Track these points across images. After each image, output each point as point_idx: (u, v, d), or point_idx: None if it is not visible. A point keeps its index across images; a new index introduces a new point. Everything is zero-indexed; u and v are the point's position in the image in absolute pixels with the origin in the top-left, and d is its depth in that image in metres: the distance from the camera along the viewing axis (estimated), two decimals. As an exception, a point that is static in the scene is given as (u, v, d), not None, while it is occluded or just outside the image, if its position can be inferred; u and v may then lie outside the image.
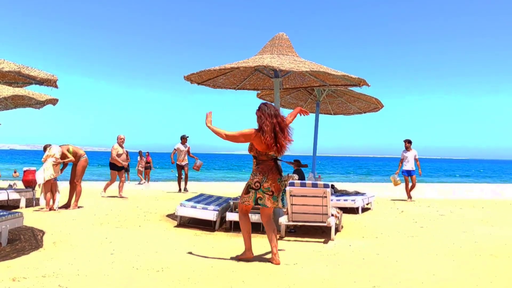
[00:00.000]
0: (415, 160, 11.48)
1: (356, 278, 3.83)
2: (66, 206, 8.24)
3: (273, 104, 4.83)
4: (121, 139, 10.51)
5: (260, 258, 4.54)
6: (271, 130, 4.26)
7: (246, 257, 4.48)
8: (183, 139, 12.63)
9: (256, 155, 4.41)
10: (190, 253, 4.74)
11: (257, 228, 6.09)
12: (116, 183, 10.96)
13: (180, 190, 12.65)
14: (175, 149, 12.51)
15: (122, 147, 10.53)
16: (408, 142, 11.60)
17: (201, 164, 12.22)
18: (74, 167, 8.36)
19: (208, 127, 4.42)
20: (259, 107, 4.43)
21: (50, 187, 7.74)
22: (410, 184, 11.44)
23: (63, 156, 7.92)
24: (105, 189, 10.63)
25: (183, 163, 12.55)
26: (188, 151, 12.65)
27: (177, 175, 12.89)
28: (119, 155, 10.35)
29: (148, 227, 6.38)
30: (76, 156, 8.22)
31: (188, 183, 13.28)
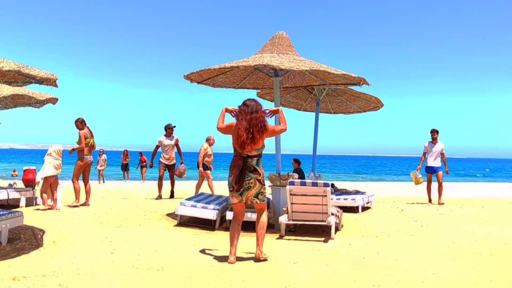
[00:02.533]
0: (441, 155, 9.99)
1: (356, 277, 3.83)
2: (84, 204, 8.47)
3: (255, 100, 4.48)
4: (213, 140, 10.30)
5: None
6: (243, 126, 4.19)
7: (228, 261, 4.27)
8: (168, 130, 10.15)
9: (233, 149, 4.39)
10: (190, 252, 4.74)
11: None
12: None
13: (160, 196, 10.21)
14: (157, 144, 10.18)
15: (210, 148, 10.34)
16: (436, 132, 9.92)
17: (185, 170, 10.18)
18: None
19: (224, 108, 4.44)
20: (243, 103, 4.35)
21: (49, 186, 7.75)
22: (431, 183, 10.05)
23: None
24: (211, 191, 10.22)
25: (169, 162, 10.21)
26: (176, 145, 10.26)
27: (159, 175, 10.42)
28: (208, 156, 10.15)
29: (148, 226, 6.39)
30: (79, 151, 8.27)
31: (188, 182, 11.82)
